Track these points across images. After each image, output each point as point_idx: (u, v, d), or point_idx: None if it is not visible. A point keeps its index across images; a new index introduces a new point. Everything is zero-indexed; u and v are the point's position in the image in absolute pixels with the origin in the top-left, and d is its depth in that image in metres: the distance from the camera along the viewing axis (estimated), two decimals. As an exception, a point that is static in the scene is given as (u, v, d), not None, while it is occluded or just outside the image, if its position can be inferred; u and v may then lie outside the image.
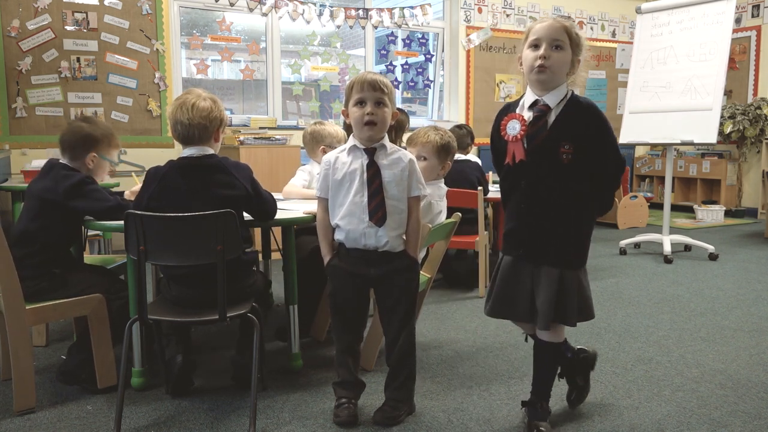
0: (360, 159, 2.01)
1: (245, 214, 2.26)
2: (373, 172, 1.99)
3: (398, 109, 4.44)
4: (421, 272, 2.69)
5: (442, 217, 2.59)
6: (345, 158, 2.04)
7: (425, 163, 2.52)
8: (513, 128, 1.81)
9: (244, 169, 2.22)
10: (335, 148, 2.87)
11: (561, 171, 1.79)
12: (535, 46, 1.79)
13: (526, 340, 2.07)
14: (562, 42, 1.78)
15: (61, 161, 2.39)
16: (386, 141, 2.05)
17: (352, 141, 2.05)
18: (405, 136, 3.29)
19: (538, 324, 1.87)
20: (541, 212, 1.84)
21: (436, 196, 2.53)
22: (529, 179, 1.82)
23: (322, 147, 2.97)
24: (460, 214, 2.63)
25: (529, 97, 1.84)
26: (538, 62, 1.76)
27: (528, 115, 1.81)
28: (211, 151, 2.20)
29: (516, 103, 1.89)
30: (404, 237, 2.05)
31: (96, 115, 4.93)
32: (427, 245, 2.60)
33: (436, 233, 2.50)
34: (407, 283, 2.06)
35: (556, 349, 1.96)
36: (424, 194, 2.08)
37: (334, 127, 3.09)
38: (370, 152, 2.01)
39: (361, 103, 1.99)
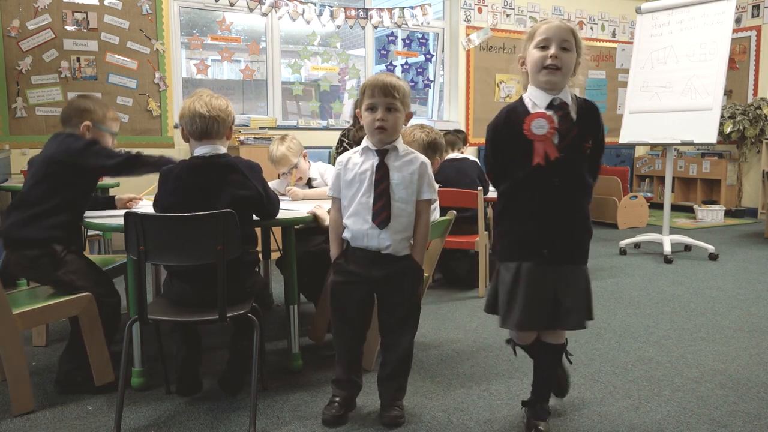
0: (371, 160, 2.01)
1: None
2: (382, 174, 1.98)
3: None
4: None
5: (436, 214, 2.59)
6: (357, 159, 2.04)
7: None
8: (540, 127, 1.77)
9: (256, 169, 2.23)
10: (283, 170, 3.00)
11: (583, 166, 1.83)
12: (544, 46, 1.78)
13: (515, 353, 2.05)
14: (570, 44, 1.78)
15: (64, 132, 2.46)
16: (399, 143, 2.03)
17: (365, 142, 2.05)
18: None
19: (572, 325, 1.84)
20: (567, 209, 1.82)
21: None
22: (564, 176, 1.79)
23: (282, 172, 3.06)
24: (455, 212, 2.63)
25: (541, 98, 1.80)
26: (549, 62, 1.76)
27: (551, 114, 1.79)
28: (223, 150, 2.21)
29: (522, 105, 1.84)
30: (411, 241, 2.04)
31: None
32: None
33: (432, 230, 2.49)
34: (409, 287, 2.04)
35: (561, 350, 1.95)
36: (434, 198, 2.07)
37: (274, 147, 3.08)
38: (382, 154, 2.00)
39: (372, 108, 1.98)
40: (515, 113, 1.83)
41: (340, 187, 2.06)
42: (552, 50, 1.76)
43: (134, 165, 2.42)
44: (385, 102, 1.96)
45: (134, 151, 2.52)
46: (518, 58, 1.87)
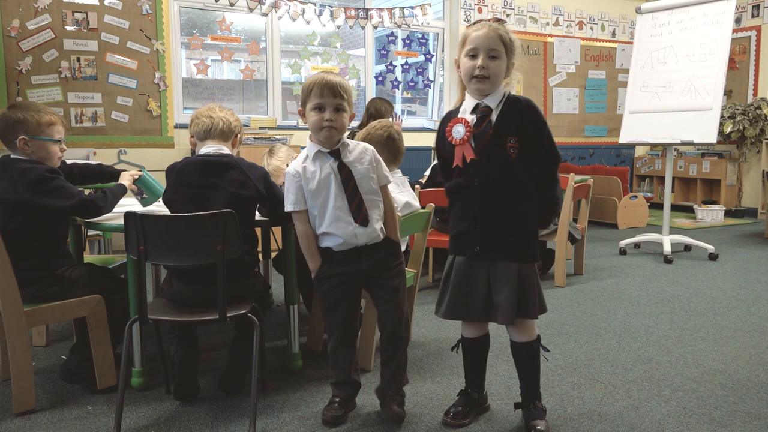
0: (328, 163, 2.00)
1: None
2: (346, 174, 1.98)
3: (379, 98, 4.53)
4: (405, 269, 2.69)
5: (416, 206, 2.58)
6: (312, 166, 2.01)
7: None
8: (458, 132, 1.88)
9: (258, 169, 2.24)
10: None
11: (510, 166, 1.85)
12: (473, 55, 1.84)
13: (453, 349, 2.07)
14: (498, 51, 1.83)
15: (12, 156, 2.27)
16: (345, 139, 2.05)
17: (313, 147, 2.01)
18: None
19: (502, 320, 1.87)
20: (495, 208, 1.87)
21: (394, 188, 2.50)
22: (482, 177, 1.87)
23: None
24: (433, 204, 2.64)
25: (470, 103, 1.90)
26: (476, 72, 1.82)
27: (471, 118, 1.86)
28: (227, 151, 2.24)
29: (456, 110, 1.94)
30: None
31: (96, 115, 4.94)
32: (403, 236, 2.58)
33: (410, 224, 2.49)
34: (396, 265, 2.09)
35: (533, 346, 1.95)
36: (390, 181, 2.12)
37: (264, 163, 3.04)
38: (336, 154, 2.00)
39: (320, 108, 1.96)
40: (449, 118, 1.94)
41: (305, 198, 2.02)
42: (479, 61, 1.82)
43: (94, 207, 2.27)
44: (334, 102, 1.96)
45: (88, 191, 2.46)
46: (455, 60, 1.93)
